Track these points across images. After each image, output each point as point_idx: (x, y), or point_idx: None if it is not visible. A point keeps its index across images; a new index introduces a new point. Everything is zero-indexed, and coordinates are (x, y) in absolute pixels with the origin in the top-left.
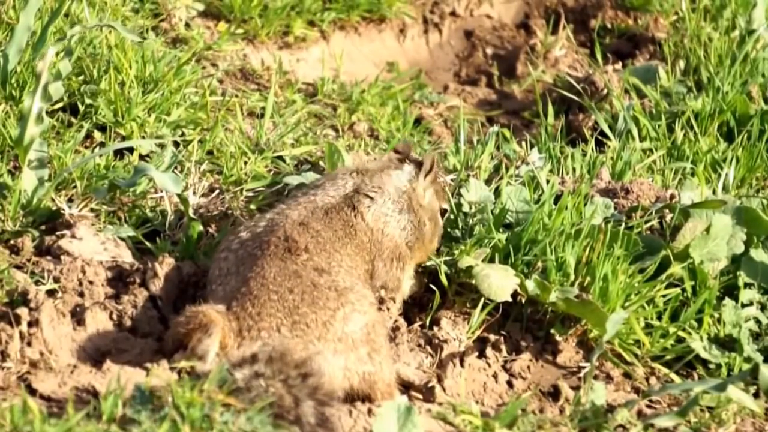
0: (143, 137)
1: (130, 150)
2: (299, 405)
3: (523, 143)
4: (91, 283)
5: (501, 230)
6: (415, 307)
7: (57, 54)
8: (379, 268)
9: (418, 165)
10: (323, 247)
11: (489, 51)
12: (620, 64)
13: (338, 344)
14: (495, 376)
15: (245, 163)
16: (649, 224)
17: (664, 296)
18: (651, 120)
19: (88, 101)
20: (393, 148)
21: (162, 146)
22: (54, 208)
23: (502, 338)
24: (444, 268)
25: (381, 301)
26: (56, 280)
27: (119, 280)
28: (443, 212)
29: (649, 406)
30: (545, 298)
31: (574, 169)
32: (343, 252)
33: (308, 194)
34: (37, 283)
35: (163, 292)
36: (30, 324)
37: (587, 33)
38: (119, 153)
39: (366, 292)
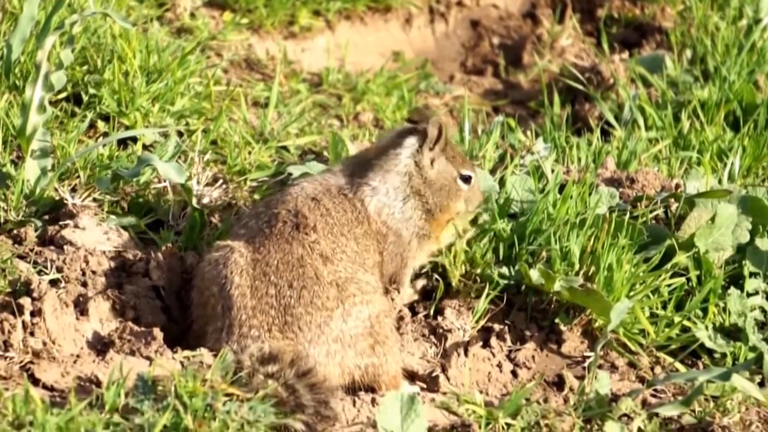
0: (147, 127)
1: (134, 140)
2: (298, 396)
3: (529, 133)
4: (94, 272)
5: (505, 220)
6: (419, 297)
7: (61, 44)
8: (386, 261)
9: (425, 135)
10: (331, 230)
11: (495, 41)
12: (627, 53)
13: (333, 345)
14: (499, 365)
15: (249, 153)
16: (654, 214)
17: (669, 286)
18: (657, 109)
19: (91, 91)
20: (407, 116)
21: (166, 136)
22: (57, 197)
23: (506, 328)
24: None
25: (386, 291)
26: (59, 269)
27: (122, 270)
28: (465, 178)
29: (653, 396)
30: (550, 287)
31: (579, 159)
32: (350, 236)
33: (324, 174)
34: (40, 272)
35: (166, 282)
36: (33, 314)
37: (594, 22)
38: (123, 143)
39: (369, 279)
